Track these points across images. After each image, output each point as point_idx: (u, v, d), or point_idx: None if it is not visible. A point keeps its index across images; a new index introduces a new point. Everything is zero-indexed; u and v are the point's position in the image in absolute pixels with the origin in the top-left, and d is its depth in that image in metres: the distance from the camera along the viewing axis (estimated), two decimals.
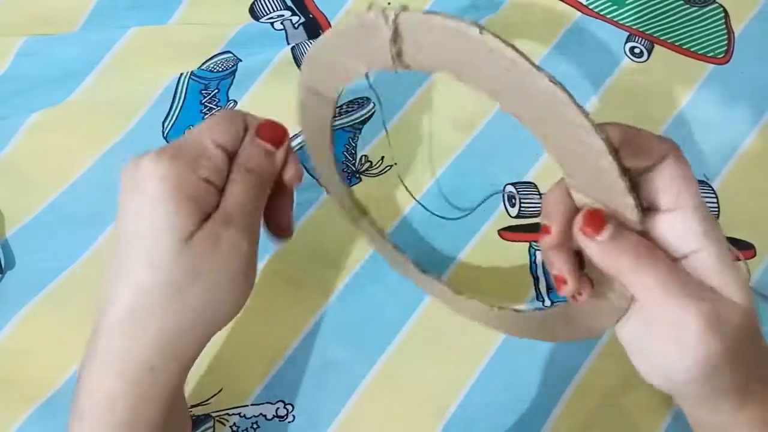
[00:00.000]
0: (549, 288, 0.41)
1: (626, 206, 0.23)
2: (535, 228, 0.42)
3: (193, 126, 0.45)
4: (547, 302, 0.40)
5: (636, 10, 0.49)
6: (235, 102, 0.46)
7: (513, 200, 0.44)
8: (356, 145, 0.45)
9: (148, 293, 0.25)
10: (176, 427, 0.31)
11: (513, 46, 0.20)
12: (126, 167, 0.26)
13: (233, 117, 0.28)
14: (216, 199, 0.27)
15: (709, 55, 0.48)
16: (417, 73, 0.47)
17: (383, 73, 0.47)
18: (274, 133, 0.29)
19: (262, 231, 0.32)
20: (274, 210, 0.31)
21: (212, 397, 0.38)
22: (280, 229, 0.32)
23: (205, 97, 0.46)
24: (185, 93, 0.46)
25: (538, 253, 0.42)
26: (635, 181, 0.24)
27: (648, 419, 0.38)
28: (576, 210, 0.24)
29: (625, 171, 0.22)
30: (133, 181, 0.25)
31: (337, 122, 0.45)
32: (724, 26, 0.49)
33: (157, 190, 0.25)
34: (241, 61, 0.47)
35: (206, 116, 0.46)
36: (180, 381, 0.28)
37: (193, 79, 0.47)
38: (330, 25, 0.50)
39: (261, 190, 0.29)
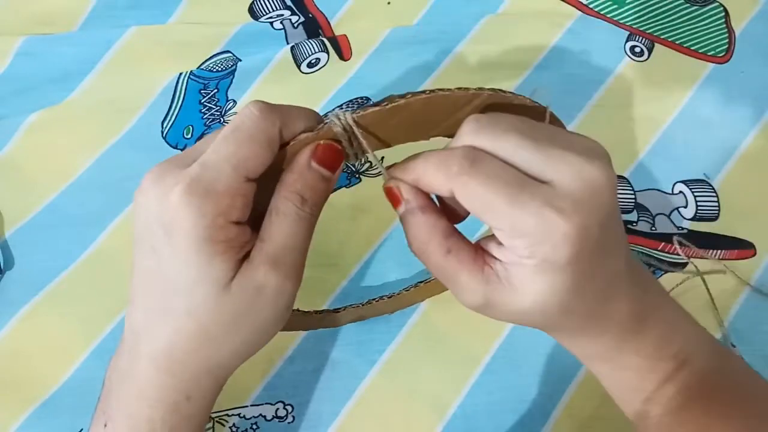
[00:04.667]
0: None
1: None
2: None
3: (193, 126, 0.45)
4: None
5: (636, 10, 0.49)
6: (234, 102, 0.46)
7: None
8: None
9: (188, 337, 0.24)
10: None
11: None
12: (146, 189, 0.24)
13: (263, 138, 0.24)
14: (248, 236, 0.25)
15: (709, 54, 0.48)
16: (414, 76, 0.47)
17: (380, 74, 0.47)
18: (332, 155, 0.25)
19: None
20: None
21: None
22: None
23: (204, 96, 0.46)
24: (184, 93, 0.46)
25: None
26: None
27: None
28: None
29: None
30: (159, 218, 0.23)
31: None
32: (724, 25, 0.49)
33: (189, 238, 0.23)
34: (240, 60, 0.47)
35: (207, 117, 0.46)
36: (213, 400, 0.28)
37: (192, 79, 0.47)
38: (330, 25, 0.50)
39: (313, 221, 0.26)
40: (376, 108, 0.24)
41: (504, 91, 0.24)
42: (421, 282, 0.38)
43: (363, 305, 0.38)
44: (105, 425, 0.26)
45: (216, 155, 0.23)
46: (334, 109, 0.46)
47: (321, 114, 0.45)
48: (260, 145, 0.24)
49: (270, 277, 0.24)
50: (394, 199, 0.25)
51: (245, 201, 0.24)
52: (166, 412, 0.25)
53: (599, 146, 0.24)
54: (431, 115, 0.25)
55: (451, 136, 0.25)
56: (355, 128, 0.24)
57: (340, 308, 0.38)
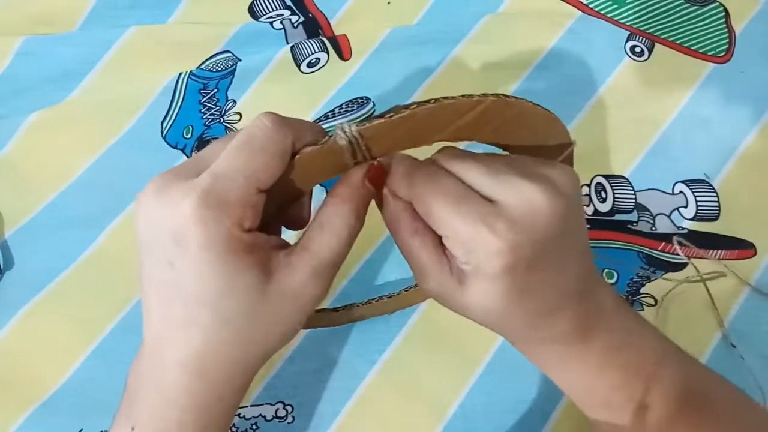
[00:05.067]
0: None
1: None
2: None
3: (193, 126, 0.45)
4: None
5: (637, 9, 0.49)
6: (234, 101, 0.46)
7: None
8: None
9: (219, 346, 0.24)
10: None
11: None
12: (150, 200, 0.24)
13: (275, 150, 0.24)
14: (261, 238, 0.25)
15: (709, 54, 0.48)
16: (414, 76, 0.47)
17: (380, 74, 0.47)
18: (380, 176, 0.27)
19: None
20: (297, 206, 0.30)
21: None
22: (298, 223, 0.30)
23: (204, 96, 0.46)
24: (184, 92, 0.46)
25: None
26: None
27: None
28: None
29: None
30: (170, 230, 0.23)
31: (336, 122, 0.45)
32: (724, 25, 0.49)
33: (210, 251, 0.23)
34: (240, 60, 0.47)
35: (206, 117, 0.46)
36: (243, 395, 0.28)
37: (192, 79, 0.47)
38: (329, 25, 0.49)
39: (356, 236, 0.27)
40: (381, 120, 0.24)
41: (507, 96, 0.24)
42: None
43: (363, 305, 0.38)
44: (132, 429, 0.26)
45: (228, 166, 0.24)
46: (334, 109, 0.46)
47: (320, 115, 0.45)
48: (272, 157, 0.24)
49: (311, 288, 0.25)
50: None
51: (255, 212, 0.24)
52: (199, 415, 0.25)
53: (563, 174, 0.25)
54: (435, 122, 0.25)
55: (453, 141, 0.26)
56: (360, 142, 0.24)
57: (340, 308, 0.38)
